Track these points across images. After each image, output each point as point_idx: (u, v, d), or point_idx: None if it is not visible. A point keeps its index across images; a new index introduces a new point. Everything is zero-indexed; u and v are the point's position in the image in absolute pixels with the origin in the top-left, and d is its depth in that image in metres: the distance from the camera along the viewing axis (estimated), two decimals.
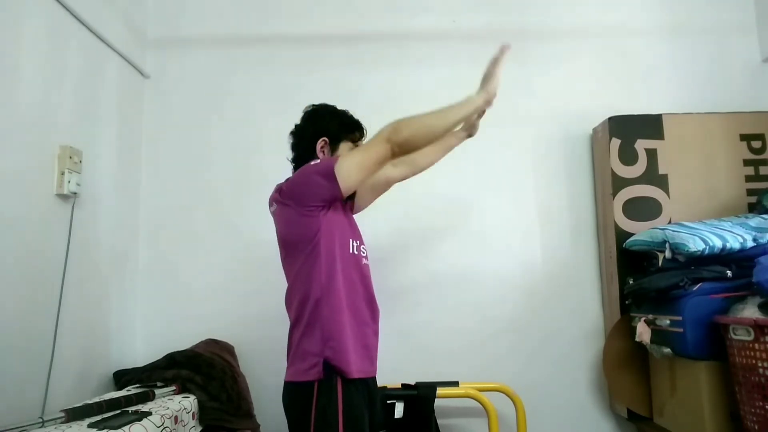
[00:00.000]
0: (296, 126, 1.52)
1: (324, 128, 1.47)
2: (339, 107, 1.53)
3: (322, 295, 1.31)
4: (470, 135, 1.70)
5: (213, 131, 2.22)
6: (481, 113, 1.60)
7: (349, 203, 1.50)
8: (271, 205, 1.44)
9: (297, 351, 1.33)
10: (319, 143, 1.46)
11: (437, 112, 1.37)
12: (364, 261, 1.43)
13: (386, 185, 1.66)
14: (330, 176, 1.31)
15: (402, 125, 1.32)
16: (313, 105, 1.55)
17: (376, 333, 1.43)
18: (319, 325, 1.30)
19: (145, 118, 2.21)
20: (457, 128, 1.61)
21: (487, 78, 1.46)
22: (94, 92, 1.86)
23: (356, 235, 1.44)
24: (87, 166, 1.73)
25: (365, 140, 1.51)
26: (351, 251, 1.39)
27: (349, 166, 1.32)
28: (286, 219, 1.38)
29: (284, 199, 1.38)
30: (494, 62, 1.47)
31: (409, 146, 1.34)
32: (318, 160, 1.42)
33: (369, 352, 1.38)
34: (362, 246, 1.44)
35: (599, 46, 2.28)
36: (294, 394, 1.31)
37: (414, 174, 1.68)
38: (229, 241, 2.16)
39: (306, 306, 1.32)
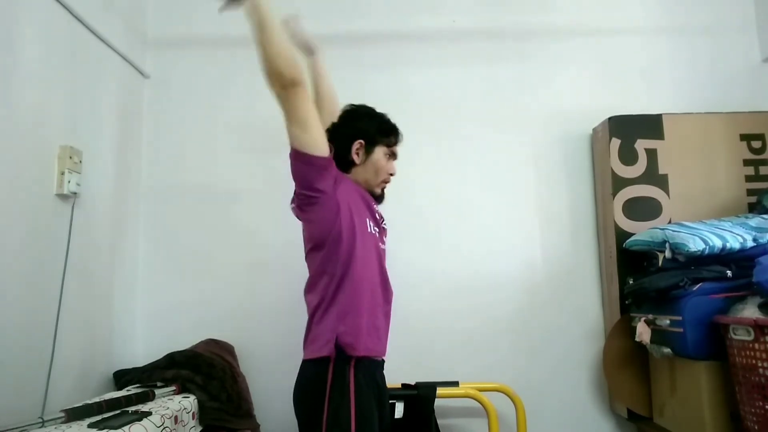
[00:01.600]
0: (333, 124, 1.50)
1: (361, 130, 1.46)
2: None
3: (343, 272, 1.33)
4: (313, 52, 1.70)
5: (213, 131, 2.22)
6: (296, 27, 1.62)
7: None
8: (291, 207, 1.45)
9: (315, 328, 1.35)
10: (355, 145, 1.45)
11: (259, 33, 1.31)
12: (380, 244, 1.45)
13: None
14: (302, 157, 1.31)
15: (271, 69, 1.28)
16: (352, 105, 1.54)
17: (387, 315, 1.45)
18: (337, 303, 1.32)
19: (145, 118, 2.21)
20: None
21: None
22: (94, 92, 1.86)
23: (373, 217, 1.45)
24: (87, 166, 1.73)
25: (399, 146, 1.53)
26: (369, 230, 1.40)
27: (299, 136, 1.30)
28: (308, 210, 1.38)
29: (300, 198, 1.38)
30: None
31: (292, 65, 1.28)
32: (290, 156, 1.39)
33: (378, 332, 1.40)
34: (376, 227, 1.45)
35: (599, 46, 2.28)
36: (309, 374, 1.33)
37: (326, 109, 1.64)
38: (230, 241, 2.16)
39: (329, 288, 1.34)
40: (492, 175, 2.21)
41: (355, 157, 1.46)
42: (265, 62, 1.30)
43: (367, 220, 1.41)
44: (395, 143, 1.51)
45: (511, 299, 2.14)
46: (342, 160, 1.43)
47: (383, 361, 1.46)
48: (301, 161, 1.32)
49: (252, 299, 2.11)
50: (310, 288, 1.42)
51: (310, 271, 1.42)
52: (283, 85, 1.28)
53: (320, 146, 1.32)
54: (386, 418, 1.44)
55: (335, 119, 1.54)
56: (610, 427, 2.09)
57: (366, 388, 1.31)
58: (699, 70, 2.26)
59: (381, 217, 1.52)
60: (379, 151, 1.48)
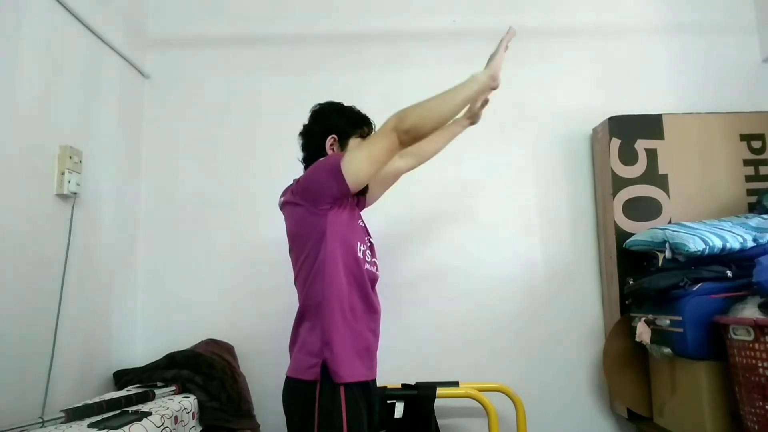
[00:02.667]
0: (304, 126, 1.51)
1: (331, 125, 1.47)
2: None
3: (323, 299, 1.32)
4: (473, 123, 1.70)
5: (213, 131, 2.22)
6: (484, 101, 1.63)
7: (360, 199, 1.50)
8: (280, 200, 1.45)
9: (302, 346, 1.34)
10: (329, 141, 1.45)
11: (442, 95, 1.35)
12: (367, 266, 1.42)
13: (395, 177, 1.67)
14: (337, 173, 1.30)
15: (407, 113, 1.31)
16: (319, 104, 1.54)
17: (376, 336, 1.43)
18: (320, 327, 1.31)
19: (145, 118, 2.21)
20: (460, 115, 1.62)
21: (493, 57, 1.44)
22: (94, 92, 1.86)
23: (363, 239, 1.44)
24: (87, 166, 1.73)
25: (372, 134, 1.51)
26: (357, 254, 1.38)
27: (357, 161, 1.31)
28: (295, 217, 1.39)
29: (295, 198, 1.38)
30: (501, 43, 1.45)
31: (415, 133, 1.31)
32: (327, 156, 1.41)
33: (370, 355, 1.39)
34: (367, 251, 1.44)
35: (599, 46, 2.28)
36: (295, 391, 1.32)
37: (420, 163, 1.69)
38: (230, 241, 2.16)
39: (309, 306, 1.34)
40: (492, 175, 2.20)
41: (330, 152, 1.46)
42: (418, 106, 1.32)
43: (359, 243, 1.39)
44: (368, 132, 1.51)
45: (511, 299, 2.14)
46: (318, 157, 1.43)
47: (374, 380, 1.44)
48: (333, 176, 1.30)
49: (252, 299, 2.11)
50: (296, 283, 1.42)
51: (293, 271, 1.42)
52: (395, 128, 1.30)
53: (358, 185, 1.34)
54: (375, 419, 1.43)
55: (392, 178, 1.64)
56: (610, 427, 2.09)
57: (356, 390, 1.31)
58: (699, 70, 2.26)
59: (370, 238, 1.50)
60: (353, 143, 1.47)
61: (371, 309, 1.42)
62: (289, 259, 1.44)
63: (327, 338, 1.30)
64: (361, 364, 1.34)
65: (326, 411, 1.25)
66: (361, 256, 1.39)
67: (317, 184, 1.34)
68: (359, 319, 1.36)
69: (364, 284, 1.39)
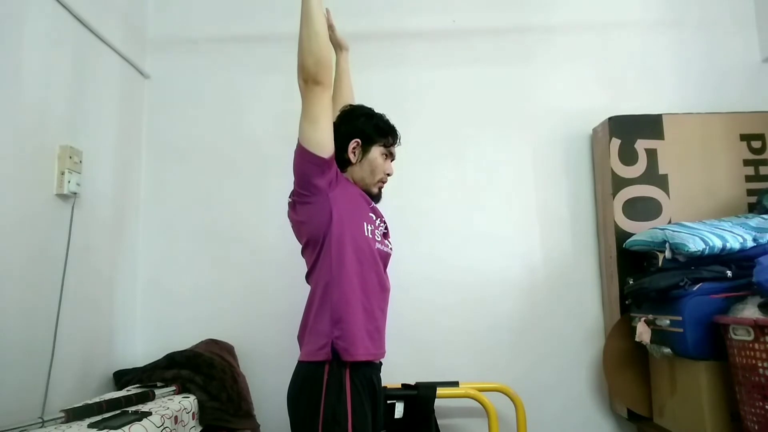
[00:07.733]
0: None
1: (358, 129, 1.48)
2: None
3: (331, 278, 1.33)
4: (344, 48, 1.76)
5: (212, 131, 2.22)
6: (330, 26, 1.66)
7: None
8: (288, 211, 1.47)
9: (312, 330, 1.35)
10: (352, 144, 1.47)
11: (301, 23, 1.35)
12: (381, 246, 1.44)
13: (344, 77, 1.78)
14: (305, 153, 1.33)
15: (299, 62, 1.34)
16: (351, 105, 1.57)
17: (385, 314, 1.45)
18: (329, 307, 1.33)
19: (145, 118, 2.22)
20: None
21: None
22: (94, 92, 1.86)
23: (371, 220, 1.45)
24: (87, 166, 1.73)
25: (396, 147, 1.55)
26: (365, 234, 1.39)
27: (308, 131, 1.33)
28: (303, 213, 1.40)
29: (296, 197, 1.40)
30: None
31: (319, 65, 1.32)
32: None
33: (380, 334, 1.41)
34: (376, 230, 1.45)
35: (599, 46, 2.28)
36: (305, 375, 1.33)
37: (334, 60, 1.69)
38: (230, 240, 2.16)
39: (318, 288, 1.36)
40: (492, 175, 2.20)
41: (351, 155, 1.47)
42: (298, 52, 1.34)
43: (365, 223, 1.41)
44: (392, 144, 1.53)
45: (511, 299, 2.14)
46: (338, 158, 1.44)
47: (381, 363, 1.46)
48: (303, 157, 1.34)
49: (252, 299, 2.11)
50: (308, 278, 1.44)
51: (307, 265, 1.43)
52: (305, 79, 1.33)
53: (325, 147, 1.34)
54: (379, 420, 1.44)
55: None
56: (610, 427, 2.09)
57: (361, 389, 1.32)
58: (699, 70, 2.25)
59: (382, 220, 1.52)
60: (376, 151, 1.49)
61: (382, 287, 1.43)
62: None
63: (336, 317, 1.32)
64: (371, 343, 1.35)
65: (332, 408, 1.26)
66: (370, 236, 1.40)
67: (301, 173, 1.36)
68: (370, 297, 1.37)
69: (375, 262, 1.41)
